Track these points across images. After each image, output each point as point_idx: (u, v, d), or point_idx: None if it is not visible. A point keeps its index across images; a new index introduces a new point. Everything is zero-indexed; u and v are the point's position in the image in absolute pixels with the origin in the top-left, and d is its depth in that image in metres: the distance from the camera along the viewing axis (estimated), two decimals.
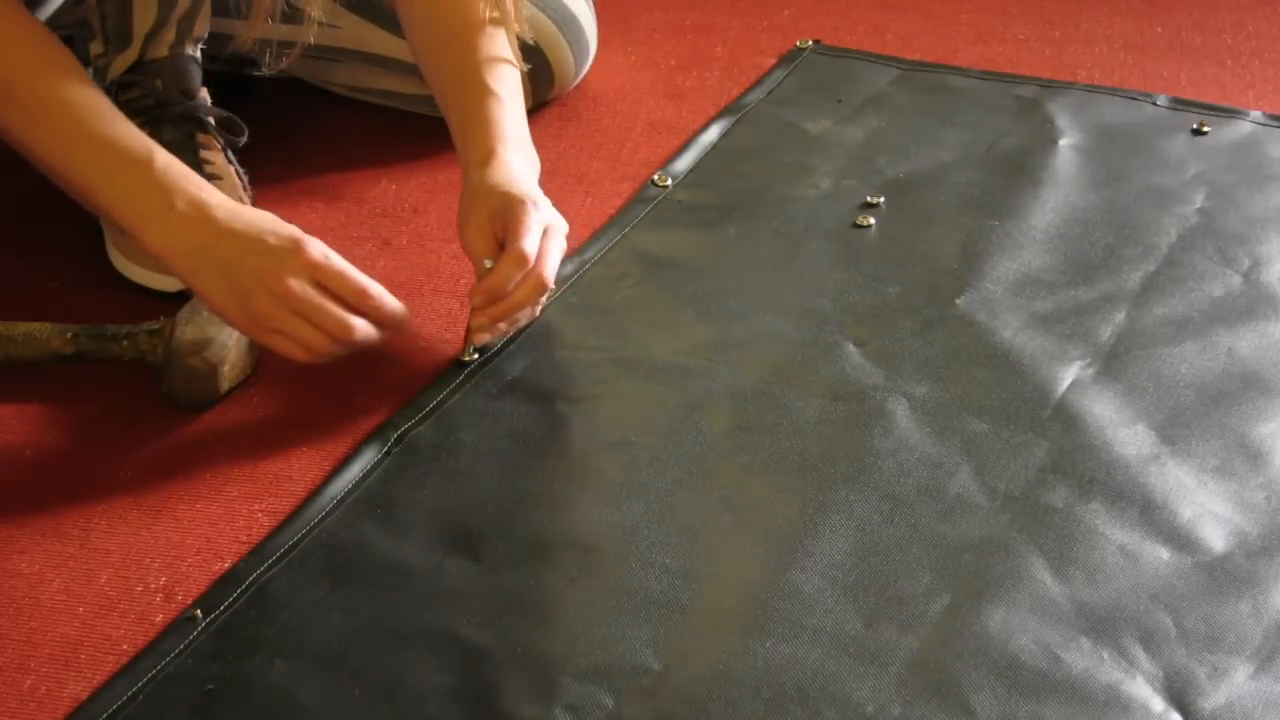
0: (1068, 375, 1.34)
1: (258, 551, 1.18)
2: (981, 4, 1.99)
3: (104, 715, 1.05)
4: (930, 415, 1.30)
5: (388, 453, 1.26)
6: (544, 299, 1.36)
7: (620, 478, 1.24)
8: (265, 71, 1.52)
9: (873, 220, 1.55)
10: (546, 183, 1.57)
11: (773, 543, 1.18)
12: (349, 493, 1.23)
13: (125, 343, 1.34)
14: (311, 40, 1.44)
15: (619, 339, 1.40)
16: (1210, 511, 1.21)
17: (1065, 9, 1.98)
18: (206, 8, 1.44)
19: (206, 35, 1.47)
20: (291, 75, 1.67)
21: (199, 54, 1.47)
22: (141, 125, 1.36)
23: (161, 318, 1.35)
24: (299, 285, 1.25)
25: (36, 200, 1.58)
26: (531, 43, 1.57)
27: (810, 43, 1.87)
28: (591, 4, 1.73)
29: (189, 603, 1.14)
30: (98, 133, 1.28)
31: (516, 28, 1.44)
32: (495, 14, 1.42)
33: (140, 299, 1.43)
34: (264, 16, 1.41)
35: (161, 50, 1.42)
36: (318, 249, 1.27)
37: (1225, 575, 1.15)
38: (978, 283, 1.46)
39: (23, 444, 1.29)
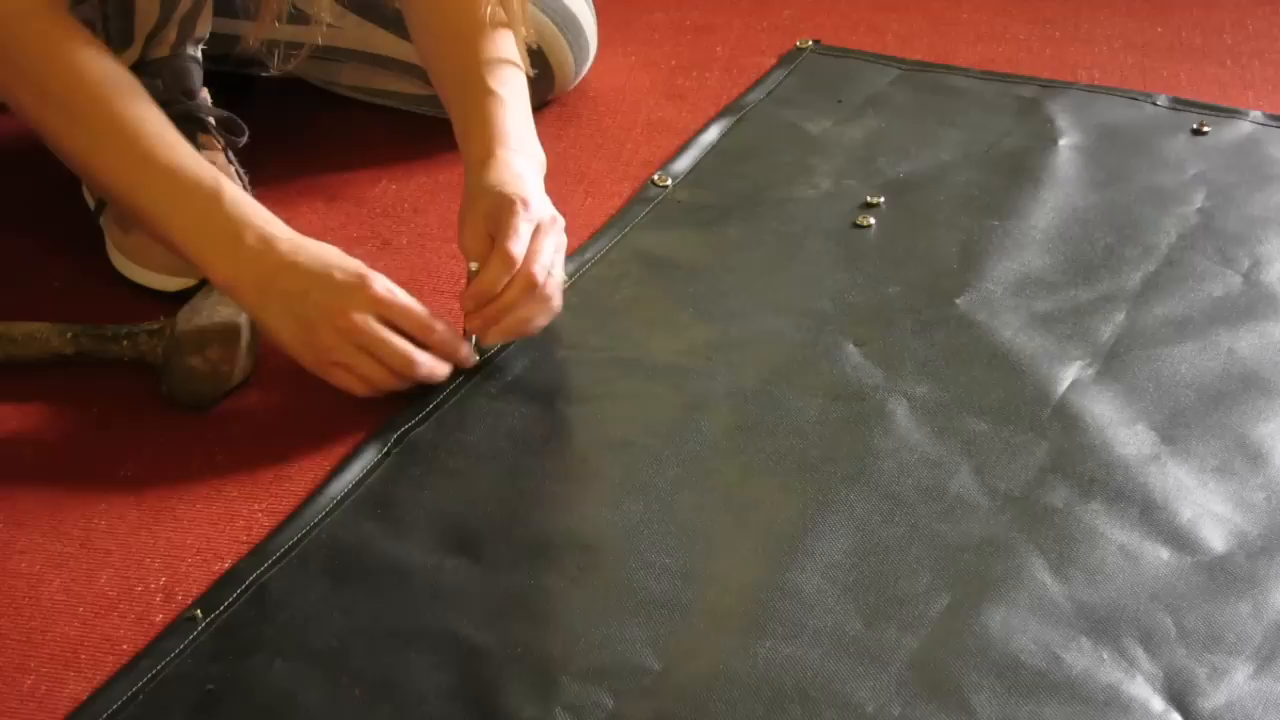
0: (1068, 375, 1.34)
1: (258, 551, 1.18)
2: (981, 4, 1.99)
3: (104, 715, 1.05)
4: (930, 415, 1.30)
5: (388, 453, 1.26)
6: (557, 295, 1.36)
7: (620, 478, 1.24)
8: (273, 72, 1.52)
9: (873, 220, 1.55)
10: (547, 182, 1.57)
11: (773, 543, 1.18)
12: (349, 493, 1.23)
13: (125, 343, 1.34)
14: (320, 41, 1.44)
15: (619, 339, 1.40)
16: (1210, 511, 1.20)
17: (1065, 9, 1.98)
18: (208, 8, 1.44)
19: (208, 35, 1.47)
20: (293, 75, 1.67)
21: (200, 54, 1.47)
22: None
23: (161, 318, 1.35)
24: (363, 320, 1.26)
25: (36, 200, 1.58)
26: (535, 46, 1.58)
27: (810, 43, 1.87)
28: (591, 4, 1.73)
29: (189, 603, 1.14)
30: (166, 161, 1.28)
31: (523, 29, 1.44)
32: (499, 14, 1.42)
33: (140, 299, 1.43)
34: (272, 18, 1.41)
35: (163, 50, 1.42)
36: (382, 284, 1.28)
37: (1225, 575, 1.15)
38: (978, 283, 1.46)
39: (23, 444, 1.29)
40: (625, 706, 1.05)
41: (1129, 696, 1.06)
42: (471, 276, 1.31)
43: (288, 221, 1.32)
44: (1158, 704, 1.05)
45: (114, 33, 1.41)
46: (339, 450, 1.27)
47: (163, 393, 1.32)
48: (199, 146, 1.45)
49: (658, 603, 1.13)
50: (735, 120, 1.72)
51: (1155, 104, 1.74)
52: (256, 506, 1.23)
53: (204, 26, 1.45)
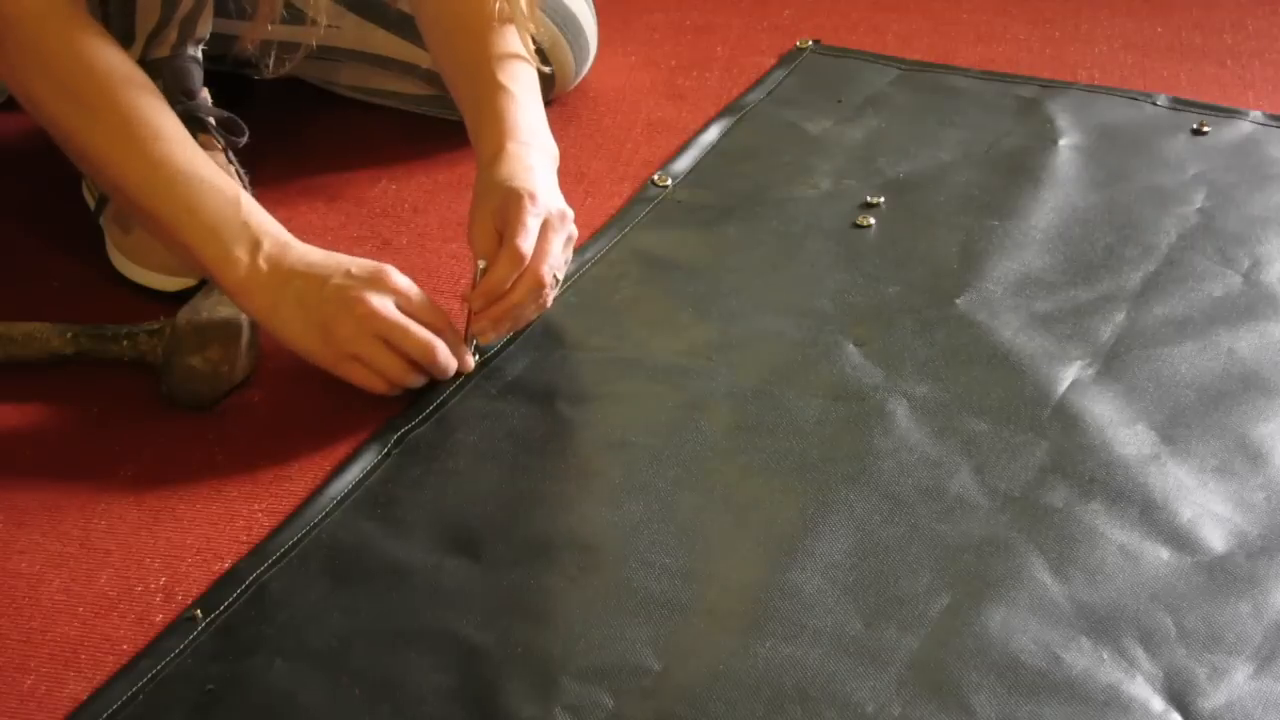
0: (1068, 375, 1.34)
1: (258, 551, 1.18)
2: (981, 4, 1.99)
3: (104, 715, 1.05)
4: (930, 415, 1.30)
5: (388, 453, 1.26)
6: (554, 292, 1.36)
7: (620, 478, 1.24)
8: (267, 75, 1.52)
9: (873, 220, 1.55)
10: None
11: (773, 543, 1.18)
12: (349, 493, 1.23)
13: (125, 343, 1.34)
14: (315, 43, 1.44)
15: (619, 339, 1.40)
16: (1210, 511, 1.20)
17: (1065, 9, 1.98)
18: (209, 8, 1.44)
19: (208, 36, 1.47)
20: (293, 75, 1.67)
21: (200, 54, 1.47)
22: None
23: (161, 318, 1.35)
24: (382, 304, 1.27)
25: (36, 200, 1.58)
26: (546, 43, 1.58)
27: (810, 43, 1.87)
28: (592, 4, 1.73)
29: (189, 603, 1.14)
30: (183, 166, 1.28)
31: (531, 27, 1.44)
32: (508, 10, 1.42)
33: (140, 299, 1.43)
34: (267, 19, 1.41)
35: (163, 50, 1.42)
36: (399, 276, 1.29)
37: (1225, 575, 1.15)
38: (978, 283, 1.46)
39: (23, 444, 1.29)
40: (625, 706, 1.05)
41: (1129, 696, 1.06)
42: (479, 275, 1.31)
43: (287, 222, 1.32)
44: (1158, 704, 1.05)
45: (115, 32, 1.40)
46: (339, 450, 1.27)
47: (163, 393, 1.32)
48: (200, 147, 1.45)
49: (658, 603, 1.13)
50: (735, 120, 1.72)
51: (1155, 104, 1.74)
52: (256, 506, 1.23)
53: (205, 27, 1.45)
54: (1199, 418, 1.30)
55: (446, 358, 1.30)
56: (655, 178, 1.62)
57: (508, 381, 1.34)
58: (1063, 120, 1.71)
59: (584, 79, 1.75)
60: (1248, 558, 1.17)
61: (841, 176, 1.62)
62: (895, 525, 1.19)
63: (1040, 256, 1.49)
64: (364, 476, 1.24)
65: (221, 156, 1.45)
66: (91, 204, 1.51)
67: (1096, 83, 1.80)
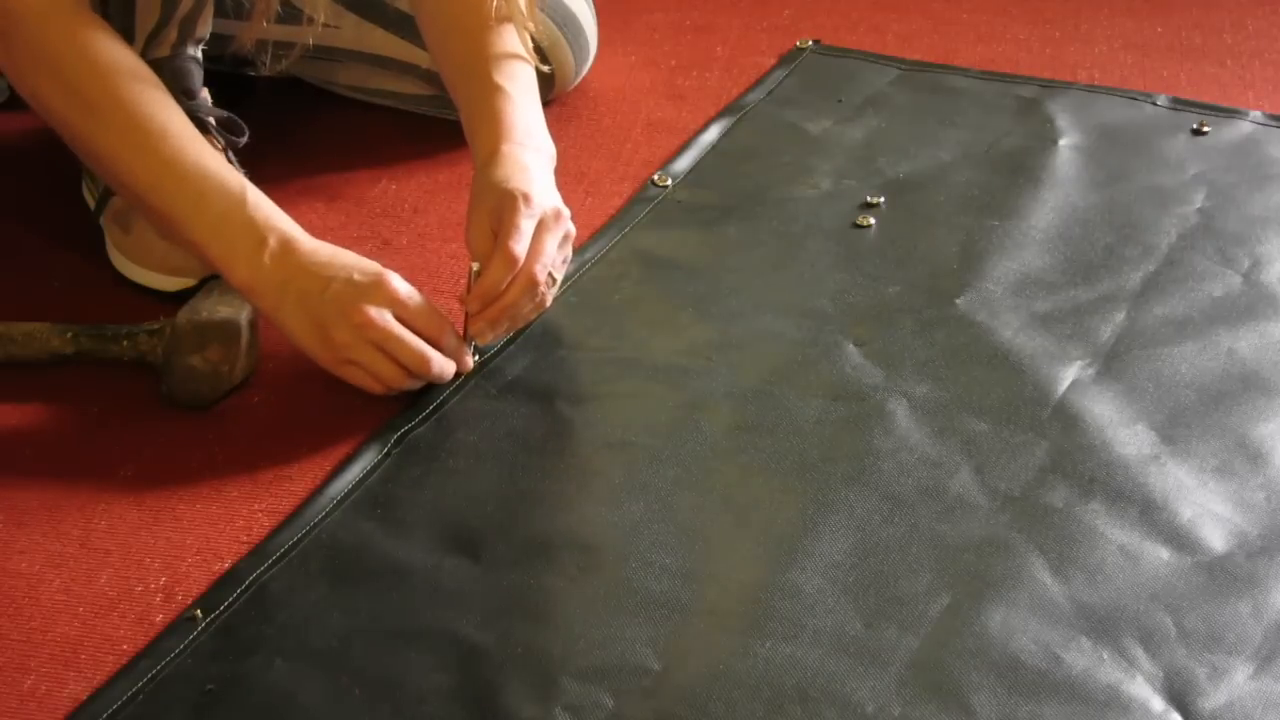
0: (1068, 375, 1.34)
1: (258, 551, 1.18)
2: (981, 4, 1.99)
3: (104, 715, 1.05)
4: (930, 415, 1.30)
5: (388, 453, 1.26)
6: (552, 291, 1.36)
7: (620, 478, 1.24)
8: (263, 72, 1.52)
9: (873, 220, 1.55)
10: None
11: (773, 543, 1.18)
12: (349, 493, 1.23)
13: (125, 343, 1.34)
14: (311, 42, 1.44)
15: (619, 339, 1.40)
16: (1210, 511, 1.20)
17: (1065, 9, 1.98)
18: (208, 8, 1.44)
19: (208, 36, 1.47)
20: (292, 75, 1.67)
21: (200, 54, 1.47)
22: None
23: (161, 318, 1.35)
24: (379, 315, 1.27)
25: (36, 200, 1.58)
26: (546, 43, 1.57)
27: (810, 43, 1.87)
28: (591, 4, 1.73)
29: (189, 603, 1.14)
30: (191, 162, 1.29)
31: (531, 26, 1.44)
32: (505, 9, 1.42)
33: (140, 299, 1.43)
34: (263, 18, 1.41)
35: (163, 50, 1.42)
36: (399, 284, 1.29)
37: (1225, 575, 1.15)
38: (978, 283, 1.46)
39: (23, 444, 1.29)
40: (625, 706, 1.05)
41: (1129, 696, 1.06)
42: (473, 277, 1.31)
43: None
44: (1158, 704, 1.05)
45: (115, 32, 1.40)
46: (339, 450, 1.27)
47: (163, 392, 1.32)
48: None
49: (658, 603, 1.13)
50: (735, 120, 1.72)
51: (1155, 104, 1.74)
52: (256, 506, 1.23)
53: (204, 27, 1.45)
54: (1199, 418, 1.30)
55: (441, 368, 1.30)
56: (655, 178, 1.62)
57: (508, 381, 1.34)
58: (1063, 120, 1.71)
59: (584, 79, 1.75)
60: (1248, 558, 1.17)
61: (841, 176, 1.62)
62: (895, 525, 1.19)
63: (1040, 256, 1.49)
64: (364, 476, 1.24)
65: (221, 156, 1.45)
66: (91, 204, 1.51)
67: (1096, 83, 1.80)
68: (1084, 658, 1.08)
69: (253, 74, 1.62)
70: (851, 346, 1.38)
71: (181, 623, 1.12)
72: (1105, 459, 1.25)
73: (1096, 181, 1.61)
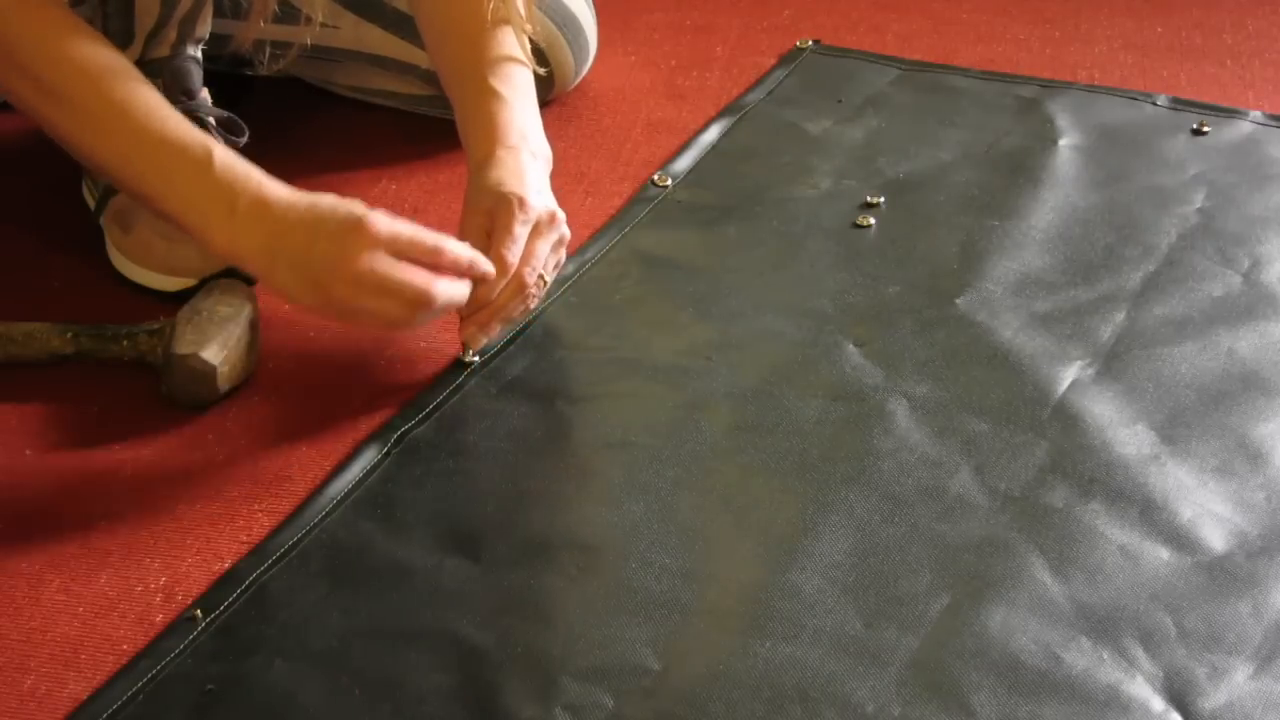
0: (1068, 375, 1.34)
1: (258, 551, 1.18)
2: (981, 4, 1.99)
3: (104, 715, 1.05)
4: (930, 415, 1.30)
5: (388, 453, 1.26)
6: (538, 293, 1.35)
7: (620, 478, 1.24)
8: (261, 72, 1.52)
9: (873, 220, 1.55)
10: None
11: (773, 543, 1.18)
12: (349, 493, 1.23)
13: (125, 343, 1.34)
14: (309, 41, 1.44)
15: (619, 339, 1.40)
16: (1210, 511, 1.20)
17: (1065, 9, 1.98)
18: (208, 8, 1.44)
19: (208, 35, 1.47)
20: (291, 75, 1.67)
21: (200, 54, 1.47)
22: None
23: (161, 318, 1.35)
24: (369, 262, 1.25)
25: (36, 200, 1.58)
26: (546, 43, 1.57)
27: (810, 43, 1.87)
28: (591, 4, 1.73)
29: (189, 603, 1.14)
30: (154, 136, 1.27)
31: (528, 27, 1.44)
32: (503, 11, 1.42)
33: (140, 299, 1.43)
34: (260, 18, 1.41)
35: (163, 50, 1.42)
36: (381, 222, 1.26)
37: (1225, 575, 1.15)
38: (978, 283, 1.46)
39: (23, 444, 1.29)
40: (625, 706, 1.05)
41: (1129, 696, 1.06)
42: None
43: None
44: (1158, 704, 1.05)
45: (114, 32, 1.40)
46: (339, 450, 1.27)
47: (163, 393, 1.32)
48: None
49: (658, 603, 1.13)
50: (735, 120, 1.72)
51: (1155, 104, 1.74)
52: (256, 506, 1.23)
53: (204, 27, 1.45)
54: (1199, 418, 1.30)
55: (447, 295, 1.28)
56: (655, 178, 1.62)
57: (508, 381, 1.34)
58: (1063, 120, 1.71)
59: (584, 79, 1.75)
60: (1248, 558, 1.17)
61: (841, 176, 1.62)
62: (895, 525, 1.19)
63: (1040, 256, 1.49)
64: (364, 476, 1.24)
65: (186, 123, 1.44)
66: (91, 204, 1.51)
67: (1096, 83, 1.80)
68: (1084, 658, 1.08)
69: (251, 74, 1.62)
70: (851, 346, 1.38)
71: (181, 623, 1.12)
72: (1105, 459, 1.25)
73: (1096, 181, 1.61)
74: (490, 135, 1.37)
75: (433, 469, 1.25)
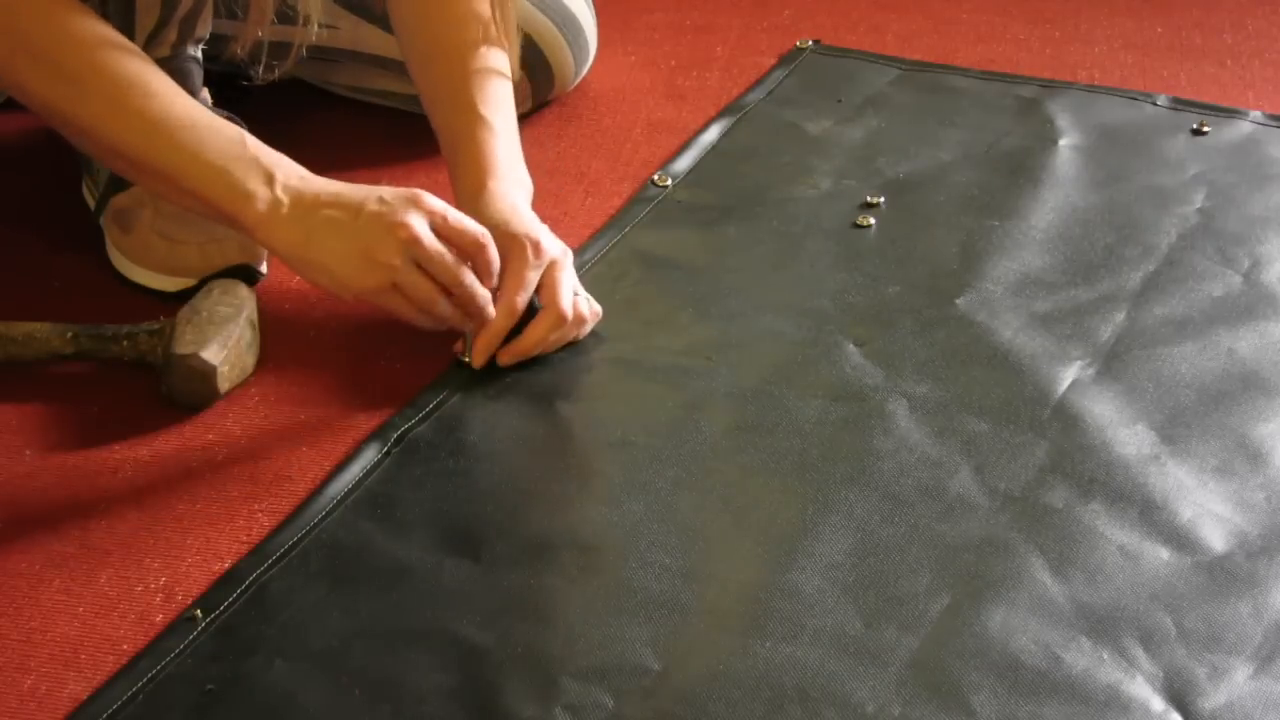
0: (1068, 375, 1.34)
1: (258, 551, 1.18)
2: (981, 4, 1.99)
3: (104, 715, 1.05)
4: (930, 415, 1.30)
5: (388, 453, 1.26)
6: (589, 310, 1.37)
7: (620, 478, 1.24)
8: (258, 81, 1.51)
9: (873, 220, 1.55)
10: (547, 182, 1.57)
11: (773, 543, 1.18)
12: (349, 493, 1.23)
13: (125, 343, 1.34)
14: (307, 44, 1.43)
15: (619, 339, 1.40)
16: (1210, 511, 1.20)
17: (1065, 9, 1.98)
18: (208, 8, 1.44)
19: (208, 36, 1.47)
20: (291, 76, 1.66)
21: (200, 54, 1.47)
22: None
23: (161, 318, 1.35)
24: (421, 229, 1.25)
25: (36, 200, 1.58)
26: (546, 44, 1.57)
27: (810, 43, 1.87)
28: (591, 4, 1.73)
29: (189, 603, 1.14)
30: (182, 114, 1.27)
31: (508, 47, 1.43)
32: (490, 32, 1.41)
33: (140, 299, 1.43)
34: (259, 23, 1.40)
35: (163, 50, 1.42)
36: (434, 199, 1.27)
37: (1225, 575, 1.15)
38: (978, 283, 1.46)
39: (23, 444, 1.29)
40: (625, 706, 1.05)
41: (1129, 696, 1.06)
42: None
43: None
44: (1158, 704, 1.05)
45: None
46: (339, 450, 1.27)
47: (163, 393, 1.32)
48: None
49: (658, 603, 1.13)
50: (735, 120, 1.72)
51: (1155, 104, 1.75)
52: (256, 506, 1.23)
53: (204, 27, 1.45)
54: (1199, 418, 1.30)
55: (478, 292, 1.29)
56: (655, 178, 1.62)
57: (508, 381, 1.34)
58: (1063, 120, 1.71)
59: (584, 79, 1.75)
60: (1248, 558, 1.17)
61: (841, 176, 1.62)
62: (895, 525, 1.19)
63: (1040, 256, 1.49)
64: (364, 476, 1.24)
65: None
66: (91, 204, 1.51)
67: (1096, 83, 1.80)
68: (1084, 658, 1.08)
69: (248, 84, 1.62)
70: (851, 346, 1.38)
71: (181, 623, 1.12)
72: (1105, 459, 1.25)
73: (1096, 181, 1.61)
74: (480, 166, 1.37)
75: (433, 469, 1.25)
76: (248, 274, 1.43)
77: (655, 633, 1.10)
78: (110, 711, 1.05)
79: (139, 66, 1.28)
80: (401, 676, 1.07)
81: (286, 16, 1.49)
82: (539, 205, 1.53)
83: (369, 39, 1.64)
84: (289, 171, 1.28)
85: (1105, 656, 1.09)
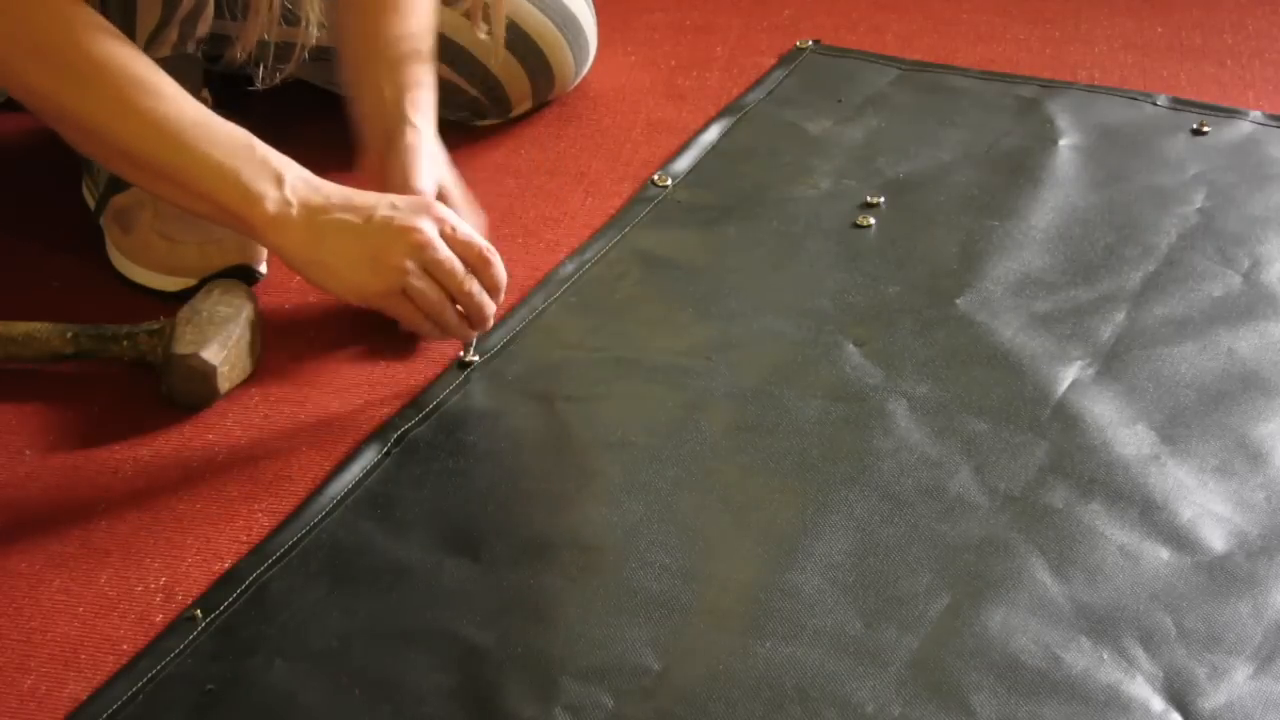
0: (1068, 375, 1.34)
1: (258, 551, 1.18)
2: (981, 4, 1.99)
3: (104, 715, 1.05)
4: (930, 415, 1.30)
5: (388, 453, 1.26)
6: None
7: (620, 478, 1.24)
8: (259, 86, 1.51)
9: (873, 220, 1.55)
10: (547, 182, 1.58)
11: (773, 543, 1.18)
12: (349, 493, 1.23)
13: (125, 343, 1.34)
14: (311, 43, 1.43)
15: (619, 339, 1.40)
16: (1210, 511, 1.20)
17: (1065, 9, 1.98)
18: (209, 8, 1.44)
19: (208, 35, 1.47)
20: (293, 77, 1.66)
21: (201, 54, 1.47)
22: None
23: (161, 318, 1.35)
24: (431, 235, 1.26)
25: (36, 201, 1.58)
26: (546, 44, 1.57)
27: (810, 43, 1.87)
28: (591, 4, 1.73)
29: (189, 603, 1.14)
30: (189, 114, 1.27)
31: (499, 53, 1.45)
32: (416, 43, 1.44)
33: (140, 299, 1.43)
34: (260, 29, 1.40)
35: (164, 50, 1.42)
36: (444, 208, 1.28)
37: (1225, 575, 1.15)
38: (978, 283, 1.46)
39: (23, 444, 1.29)
40: (625, 706, 1.05)
41: (1129, 696, 1.06)
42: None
43: None
44: (1158, 704, 1.05)
45: None
46: (339, 450, 1.27)
47: (163, 393, 1.32)
48: None
49: (658, 603, 1.13)
50: (735, 120, 1.72)
51: (1155, 104, 1.74)
52: (256, 506, 1.23)
53: (205, 27, 1.45)
54: (1199, 418, 1.30)
55: (480, 291, 1.30)
56: (655, 178, 1.62)
57: (508, 381, 1.34)
58: (1063, 120, 1.71)
59: (584, 79, 1.75)
60: (1248, 558, 1.17)
61: (841, 176, 1.62)
62: (895, 525, 1.19)
63: (1040, 256, 1.49)
64: (364, 476, 1.24)
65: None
66: (91, 204, 1.51)
67: (1096, 83, 1.80)
68: (1084, 658, 1.08)
69: (251, 88, 1.61)
70: (851, 346, 1.38)
71: (181, 623, 1.12)
72: (1105, 459, 1.25)
73: (1096, 181, 1.61)
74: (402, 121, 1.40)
75: (433, 469, 1.25)
76: (248, 274, 1.43)
77: (655, 633, 1.10)
78: (110, 711, 1.05)
79: (145, 67, 1.28)
80: (401, 676, 1.08)
81: (288, 17, 1.49)
82: (539, 205, 1.54)
83: None
84: (298, 174, 1.28)
85: (1105, 656, 1.09)
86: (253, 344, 1.35)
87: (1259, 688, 1.06)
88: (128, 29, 1.38)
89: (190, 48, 1.45)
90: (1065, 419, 1.29)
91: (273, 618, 1.12)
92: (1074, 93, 1.77)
